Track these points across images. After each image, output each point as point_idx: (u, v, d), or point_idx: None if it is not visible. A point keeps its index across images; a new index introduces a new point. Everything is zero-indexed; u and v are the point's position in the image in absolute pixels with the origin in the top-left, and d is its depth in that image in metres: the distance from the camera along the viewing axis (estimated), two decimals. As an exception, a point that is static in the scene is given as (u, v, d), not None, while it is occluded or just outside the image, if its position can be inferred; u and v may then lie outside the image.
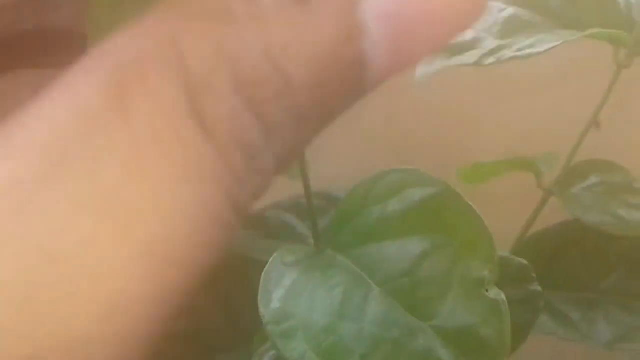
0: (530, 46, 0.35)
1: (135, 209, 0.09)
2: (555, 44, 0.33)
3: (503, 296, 0.21)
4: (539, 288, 0.25)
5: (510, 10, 0.39)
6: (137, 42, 0.10)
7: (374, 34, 0.10)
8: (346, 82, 0.10)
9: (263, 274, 0.25)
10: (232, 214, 0.10)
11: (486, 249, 0.22)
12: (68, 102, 0.10)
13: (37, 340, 0.09)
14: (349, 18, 0.10)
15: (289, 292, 0.24)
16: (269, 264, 0.25)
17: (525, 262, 0.23)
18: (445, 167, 0.34)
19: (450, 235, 0.23)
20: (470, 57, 0.35)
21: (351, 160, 0.37)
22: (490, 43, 0.37)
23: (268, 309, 0.24)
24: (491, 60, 0.34)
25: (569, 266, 0.27)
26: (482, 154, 0.35)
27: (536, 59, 0.33)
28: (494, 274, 0.21)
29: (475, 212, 0.23)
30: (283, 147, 0.10)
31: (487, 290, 0.21)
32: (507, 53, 0.35)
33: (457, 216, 0.23)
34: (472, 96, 0.38)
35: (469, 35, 0.36)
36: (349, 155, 0.38)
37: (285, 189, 0.31)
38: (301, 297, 0.24)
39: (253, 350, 0.27)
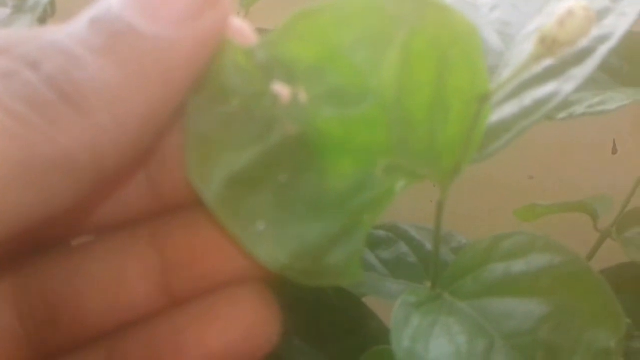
0: (601, 103, 0.37)
1: None
2: (626, 102, 0.36)
3: (628, 369, 0.24)
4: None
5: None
6: None
7: None
8: None
9: (393, 313, 0.27)
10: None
11: (614, 321, 0.24)
12: None
13: None
14: None
15: (417, 332, 0.26)
16: (398, 304, 0.27)
17: (629, 320, 0.26)
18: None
19: (577, 303, 0.25)
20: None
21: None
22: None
23: (400, 348, 0.26)
24: (563, 115, 0.37)
25: (626, 308, 0.30)
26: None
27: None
28: (620, 346, 0.24)
29: (604, 284, 0.25)
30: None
31: (612, 363, 0.24)
32: (579, 109, 0.37)
33: (585, 286, 0.25)
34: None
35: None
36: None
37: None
38: (428, 340, 0.26)
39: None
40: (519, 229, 0.28)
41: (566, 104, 0.38)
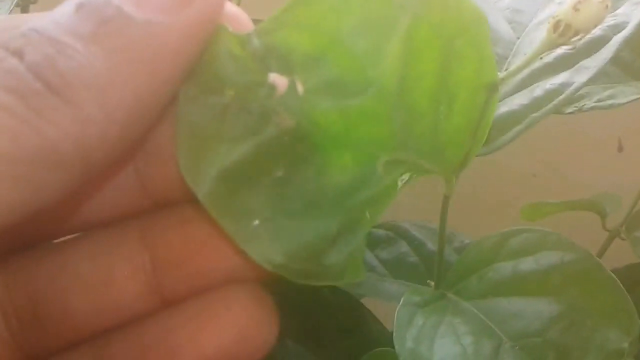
0: (611, 97, 0.36)
1: None
2: (637, 96, 0.34)
3: (641, 371, 0.23)
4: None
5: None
6: None
7: None
8: None
9: (397, 313, 0.26)
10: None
11: (627, 321, 0.23)
12: None
13: None
14: None
15: (421, 332, 0.25)
16: (401, 303, 0.26)
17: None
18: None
19: (589, 302, 0.24)
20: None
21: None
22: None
23: (403, 348, 0.25)
24: (571, 109, 0.36)
25: (637, 310, 0.29)
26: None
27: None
28: (634, 347, 0.23)
29: (617, 283, 0.24)
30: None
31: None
32: (588, 103, 0.36)
33: (597, 285, 0.24)
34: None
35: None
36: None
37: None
38: (432, 341, 0.25)
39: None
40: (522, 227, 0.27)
41: (575, 97, 0.37)
